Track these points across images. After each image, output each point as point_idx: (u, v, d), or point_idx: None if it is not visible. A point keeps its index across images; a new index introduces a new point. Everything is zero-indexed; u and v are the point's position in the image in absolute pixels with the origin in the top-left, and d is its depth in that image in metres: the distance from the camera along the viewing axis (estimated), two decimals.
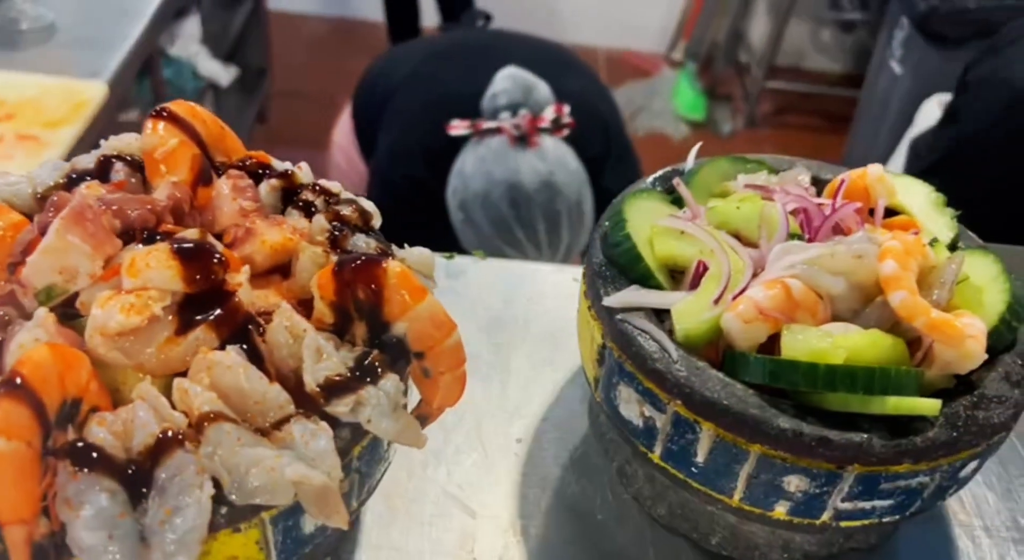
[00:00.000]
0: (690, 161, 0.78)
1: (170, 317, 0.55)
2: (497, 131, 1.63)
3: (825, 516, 0.63)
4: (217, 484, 0.51)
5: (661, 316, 0.66)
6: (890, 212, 0.75)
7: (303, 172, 0.71)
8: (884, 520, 0.63)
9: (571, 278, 0.95)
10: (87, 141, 2.14)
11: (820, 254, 0.63)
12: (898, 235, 0.67)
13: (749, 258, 0.66)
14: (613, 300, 0.66)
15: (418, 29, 3.70)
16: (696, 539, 0.73)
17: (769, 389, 0.61)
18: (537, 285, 0.94)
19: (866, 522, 0.63)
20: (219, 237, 0.64)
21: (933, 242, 0.70)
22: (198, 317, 0.56)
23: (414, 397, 0.64)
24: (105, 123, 2.19)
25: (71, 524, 0.48)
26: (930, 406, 0.59)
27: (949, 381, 0.64)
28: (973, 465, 0.63)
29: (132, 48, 2.43)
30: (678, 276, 0.69)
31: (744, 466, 0.61)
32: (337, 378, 0.56)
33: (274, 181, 0.69)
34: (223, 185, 0.66)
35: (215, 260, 0.57)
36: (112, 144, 0.69)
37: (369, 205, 0.69)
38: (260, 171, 0.70)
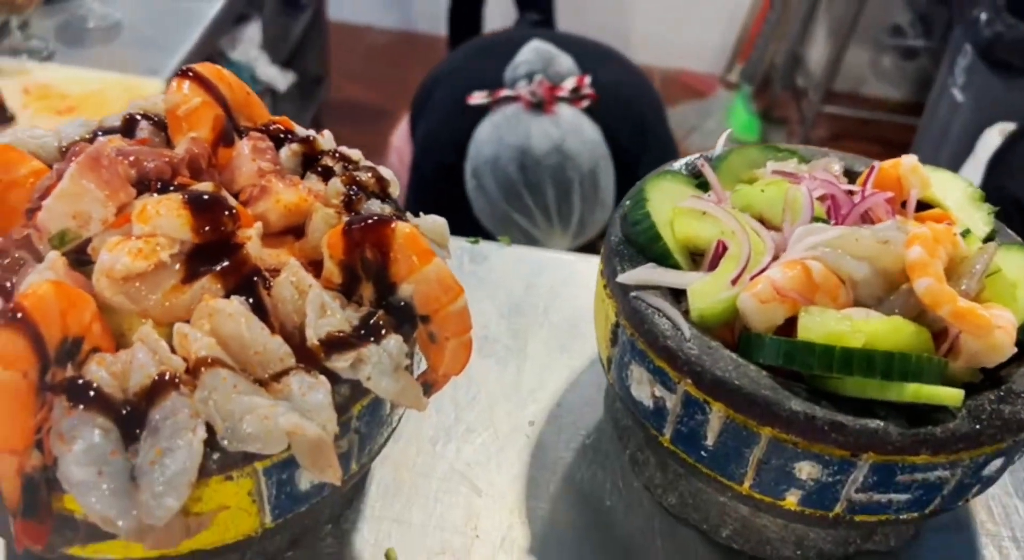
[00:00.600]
0: (719, 147, 0.77)
1: (177, 265, 0.55)
2: (515, 99, 1.61)
3: (838, 508, 0.60)
4: (211, 431, 0.51)
5: (678, 297, 0.64)
6: (924, 206, 0.73)
7: (324, 139, 0.71)
8: (902, 516, 0.61)
9: (595, 267, 0.94)
10: None
11: (844, 236, 0.61)
12: (929, 225, 0.65)
13: (771, 240, 0.64)
14: (628, 277, 0.64)
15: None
16: (706, 531, 0.71)
17: (784, 373, 0.59)
18: (560, 273, 0.93)
19: (882, 517, 0.61)
20: (236, 196, 0.64)
21: (965, 233, 0.67)
22: (205, 267, 0.56)
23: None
24: None
25: (62, 458, 0.48)
26: (952, 396, 0.56)
27: (975, 376, 0.61)
28: (998, 463, 0.60)
29: (192, 49, 2.49)
30: (698, 259, 0.68)
31: (754, 450, 0.59)
32: (339, 334, 0.55)
33: (295, 146, 0.69)
34: (243, 146, 0.66)
35: (226, 213, 0.57)
36: (138, 104, 0.70)
37: (387, 172, 0.69)
38: (282, 136, 0.70)
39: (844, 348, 0.56)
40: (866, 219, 0.68)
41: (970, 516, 0.73)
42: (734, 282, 0.62)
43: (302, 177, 0.68)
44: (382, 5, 4.55)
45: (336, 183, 0.65)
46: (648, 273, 0.64)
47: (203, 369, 0.51)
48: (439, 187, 1.70)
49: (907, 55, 4.15)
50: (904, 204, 0.71)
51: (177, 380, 0.51)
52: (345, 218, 0.62)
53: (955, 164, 2.54)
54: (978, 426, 0.57)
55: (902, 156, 0.73)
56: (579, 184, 1.58)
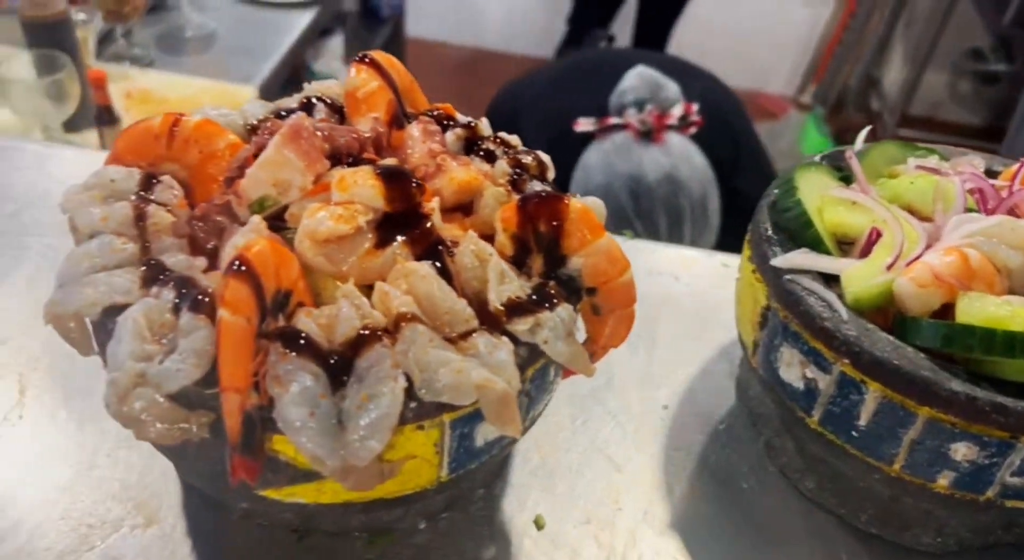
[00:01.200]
0: (859, 143, 0.79)
1: (370, 233, 0.59)
2: (622, 127, 1.64)
3: (991, 491, 0.61)
4: (408, 382, 0.54)
5: (829, 283, 0.66)
6: None
7: (484, 125, 0.75)
8: None
9: (720, 263, 0.96)
10: None
11: (1000, 225, 0.63)
12: None
13: (923, 230, 0.66)
14: (781, 261, 0.67)
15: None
16: (844, 515, 0.72)
17: (940, 357, 0.61)
18: (684, 266, 0.96)
19: None
20: None
21: None
22: (396, 234, 0.60)
23: None
24: None
25: (279, 399, 0.52)
26: None
27: None
28: None
29: (282, 59, 2.59)
30: (845, 248, 0.70)
31: (909, 431, 0.61)
32: (518, 299, 0.58)
33: (459, 130, 0.73)
34: (414, 129, 0.70)
35: (413, 185, 0.61)
36: (314, 88, 0.74)
37: (546, 157, 0.72)
38: (445, 121, 0.74)
39: (1006, 331, 0.58)
40: (1013, 213, 0.69)
41: None
42: (889, 268, 0.64)
43: None
44: (456, 22, 4.63)
45: (502, 164, 0.69)
46: (802, 258, 0.66)
47: (403, 324, 0.55)
48: None
49: (987, 80, 4.09)
50: None
51: (379, 333, 0.54)
52: (514, 196, 0.66)
53: None
54: None
55: None
56: (690, 211, 1.61)
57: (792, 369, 0.66)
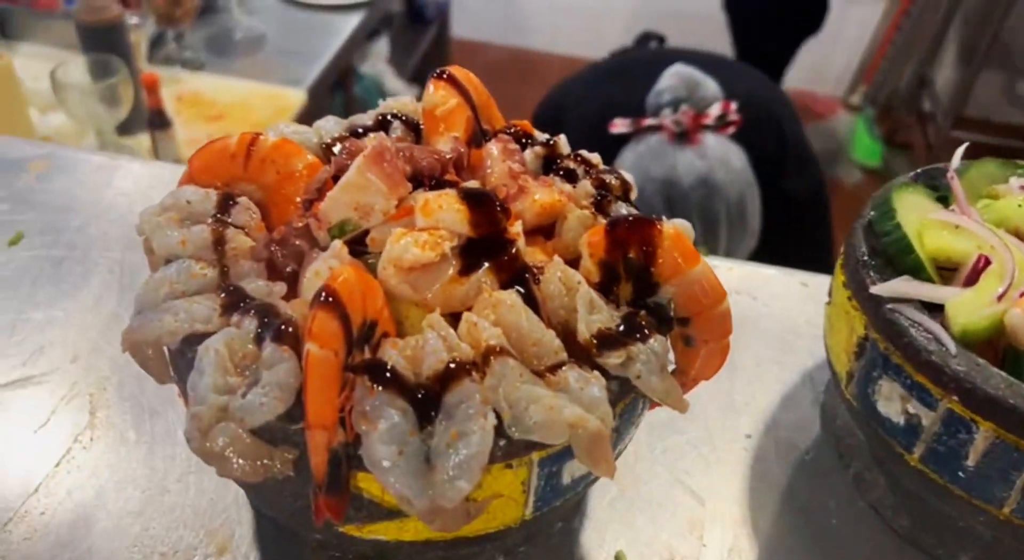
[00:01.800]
0: (955, 160, 0.75)
1: (454, 259, 0.57)
2: (658, 128, 1.59)
3: None
4: (497, 419, 0.52)
5: (931, 312, 0.63)
6: None
7: (562, 143, 0.72)
8: None
9: (799, 282, 0.93)
10: None
11: None
12: None
13: None
14: (882, 289, 0.63)
15: None
16: (941, 556, 0.69)
17: None
18: (761, 285, 0.92)
19: None
20: None
21: None
22: (481, 260, 0.57)
23: None
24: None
25: (367, 436, 0.50)
26: None
27: None
28: None
29: (330, 61, 2.59)
30: (945, 273, 0.66)
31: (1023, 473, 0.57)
32: (608, 330, 0.56)
33: (538, 148, 0.70)
34: (493, 147, 0.68)
35: (498, 209, 0.59)
36: (389, 105, 0.72)
37: (629, 176, 0.69)
38: (524, 139, 0.71)
39: None
40: None
41: None
42: (999, 298, 0.60)
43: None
44: (501, 23, 4.62)
45: (586, 185, 0.66)
46: (903, 285, 0.63)
47: (492, 357, 0.52)
48: None
49: None
50: None
51: (468, 366, 0.52)
52: (600, 220, 0.63)
53: None
54: None
55: None
56: (726, 215, 1.56)
57: (892, 403, 0.63)
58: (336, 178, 0.62)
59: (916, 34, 4.00)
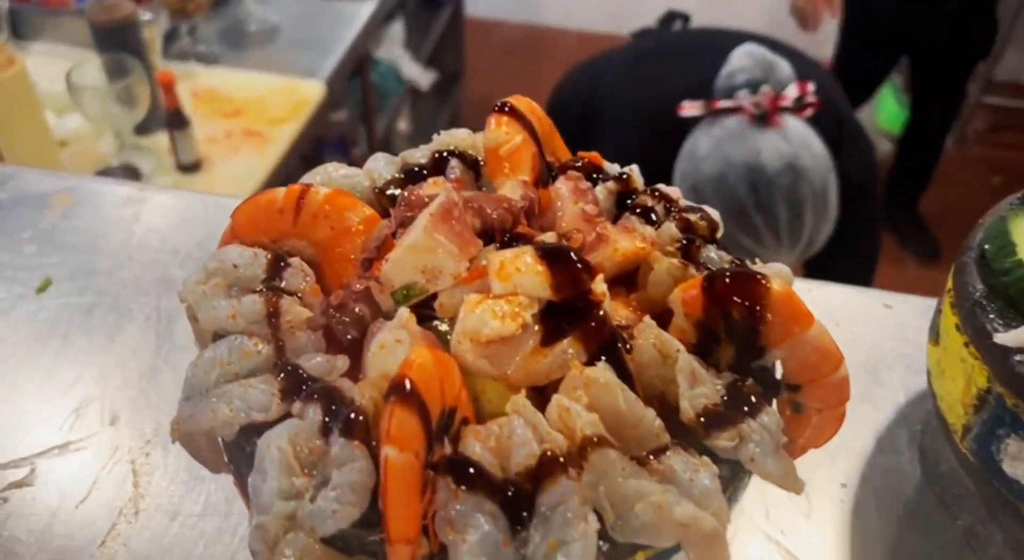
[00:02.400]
0: None
1: (536, 326, 0.51)
2: (734, 110, 1.49)
3: None
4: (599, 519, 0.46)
5: None
6: None
7: (636, 175, 0.66)
8: None
9: (880, 303, 0.86)
10: (305, 137, 2.23)
11: None
12: None
13: None
14: (1009, 338, 0.57)
15: None
16: None
17: None
18: (841, 308, 0.86)
19: None
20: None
21: None
22: (564, 326, 0.51)
23: None
24: (319, 121, 2.27)
25: (454, 548, 0.44)
26: None
27: None
28: None
29: (347, 50, 2.52)
30: None
31: None
32: (716, 407, 0.50)
33: (610, 184, 0.64)
34: (562, 187, 0.62)
35: (581, 267, 0.52)
36: (443, 140, 0.66)
37: (715, 213, 0.63)
38: (593, 174, 0.65)
39: None
40: None
41: None
42: None
43: (616, 218, 0.64)
44: (514, 0, 4.52)
45: (670, 228, 0.60)
46: None
47: (590, 449, 0.46)
48: None
49: None
50: None
51: (563, 460, 0.46)
52: (691, 270, 0.57)
53: None
54: None
55: None
56: (811, 202, 1.48)
57: (1020, 464, 0.57)
58: (397, 234, 0.56)
59: None
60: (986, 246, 0.62)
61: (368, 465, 0.46)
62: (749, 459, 0.49)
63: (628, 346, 0.52)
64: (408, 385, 0.45)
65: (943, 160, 3.43)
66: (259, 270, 0.55)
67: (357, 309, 0.55)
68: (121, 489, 0.67)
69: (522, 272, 0.51)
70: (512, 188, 0.59)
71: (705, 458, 0.48)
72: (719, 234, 0.63)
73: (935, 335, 0.66)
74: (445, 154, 0.65)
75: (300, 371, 0.51)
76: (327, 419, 0.48)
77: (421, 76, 3.54)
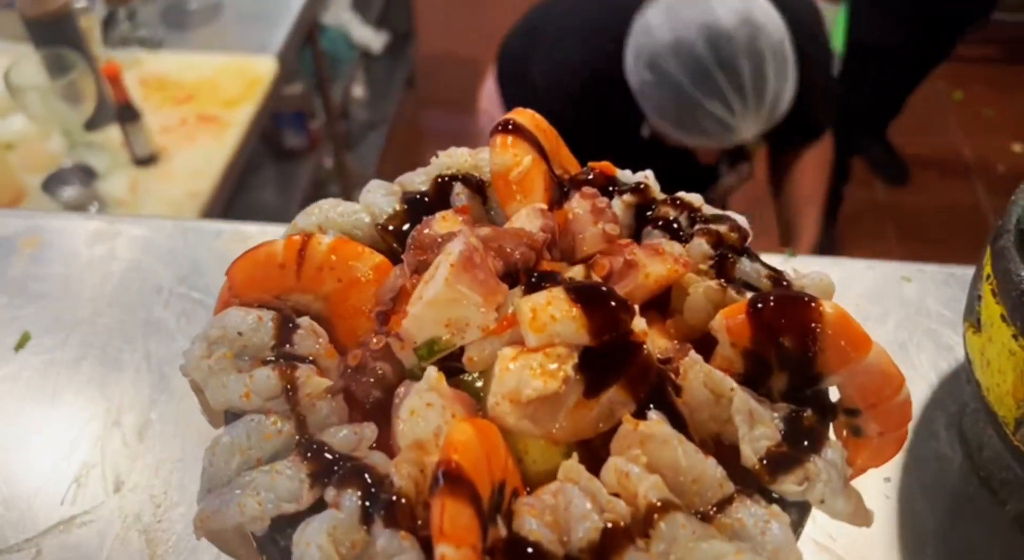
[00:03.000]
0: None
1: (577, 376, 0.47)
2: None
3: None
4: None
5: None
6: None
7: (652, 182, 0.61)
8: None
9: (899, 277, 0.83)
10: (262, 117, 2.15)
11: None
12: None
13: None
14: None
15: None
16: None
17: None
18: (860, 286, 0.83)
19: None
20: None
21: None
22: (607, 373, 0.48)
23: None
24: (273, 97, 2.19)
25: None
26: None
27: None
28: None
29: (295, 20, 2.42)
30: None
31: None
32: (778, 448, 0.47)
33: (627, 197, 0.60)
34: (578, 206, 0.58)
35: (618, 306, 0.48)
36: (443, 163, 0.61)
37: (742, 220, 0.59)
38: (608, 185, 0.61)
39: None
40: None
41: None
42: None
43: (638, 232, 0.60)
44: None
45: (702, 245, 0.56)
46: None
47: (657, 516, 0.43)
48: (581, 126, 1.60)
49: None
50: None
51: (629, 529, 0.43)
52: (732, 292, 0.53)
53: None
54: None
55: None
56: (772, 56, 1.45)
57: None
58: (412, 282, 0.52)
59: None
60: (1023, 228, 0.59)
61: (419, 556, 0.42)
62: (819, 501, 0.46)
63: (676, 387, 0.49)
64: (455, 470, 0.41)
65: None
66: (266, 336, 0.51)
67: (378, 368, 0.51)
68: None
69: (557, 320, 0.47)
70: (529, 217, 0.55)
71: (774, 507, 0.45)
72: (749, 240, 0.59)
73: (975, 321, 0.63)
74: (447, 178, 0.60)
75: (326, 449, 0.47)
76: (366, 505, 0.44)
77: (372, 39, 3.43)
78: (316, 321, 0.53)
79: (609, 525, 0.43)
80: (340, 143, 3.07)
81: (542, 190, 0.57)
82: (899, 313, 0.79)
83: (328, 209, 0.58)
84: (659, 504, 0.43)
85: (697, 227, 0.58)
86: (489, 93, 1.98)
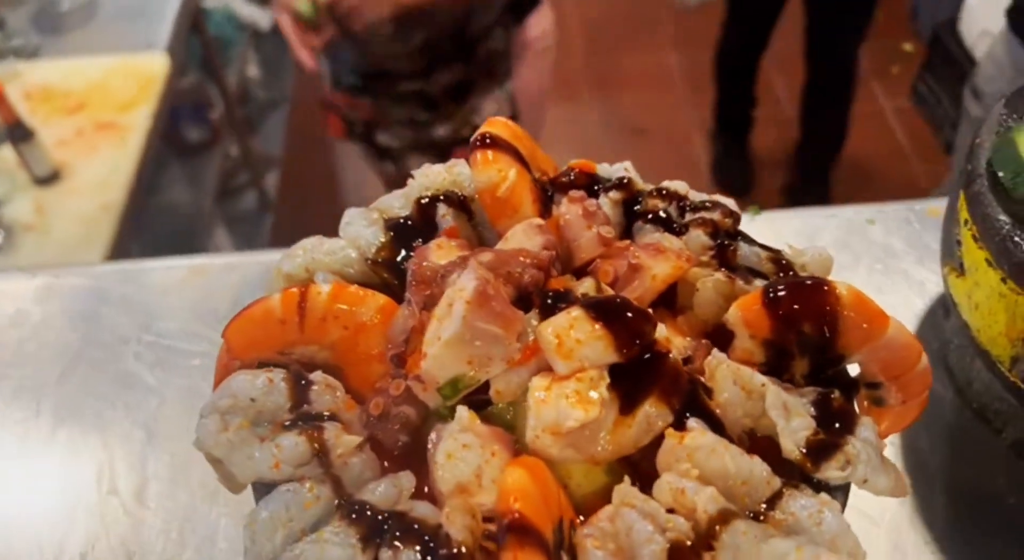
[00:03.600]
0: None
1: (610, 395, 0.47)
2: None
3: None
4: None
5: None
6: None
7: (635, 175, 0.60)
8: None
9: (864, 219, 0.85)
10: (162, 116, 2.05)
11: None
12: None
13: None
14: None
15: None
16: None
17: None
18: (829, 233, 0.84)
19: None
20: (581, 273, 0.55)
21: None
22: (638, 387, 0.47)
23: None
24: (169, 93, 2.09)
25: None
26: None
27: None
28: None
29: (179, 9, 2.30)
30: None
31: None
32: (816, 436, 0.47)
33: (614, 194, 0.59)
34: (569, 212, 0.56)
35: (638, 317, 0.48)
36: (421, 184, 0.59)
37: (731, 203, 0.59)
38: (591, 185, 0.60)
39: None
40: None
41: None
42: None
43: (628, 229, 0.59)
44: None
45: (700, 236, 0.55)
46: None
47: (719, 528, 0.43)
48: None
49: None
50: None
51: (695, 545, 0.43)
52: (739, 283, 0.53)
53: None
54: None
55: None
56: None
57: None
58: (422, 320, 0.50)
59: None
60: (1000, 173, 0.61)
61: None
62: (862, 481, 0.47)
63: (707, 389, 0.49)
64: (519, 520, 0.40)
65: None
66: (281, 397, 0.49)
67: (402, 413, 0.49)
68: None
69: (583, 343, 0.46)
70: (526, 234, 0.54)
71: (823, 496, 0.46)
72: (741, 220, 0.59)
73: (957, 266, 0.65)
74: (428, 199, 0.58)
75: (369, 508, 0.46)
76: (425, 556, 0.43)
77: (259, 15, 3.29)
78: (324, 370, 0.51)
79: (674, 545, 0.43)
80: (243, 129, 2.97)
81: (531, 202, 0.56)
82: (869, 257, 0.81)
83: (312, 249, 0.56)
84: (718, 515, 0.44)
85: (690, 218, 0.57)
86: None
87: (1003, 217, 0.59)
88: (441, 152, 1.81)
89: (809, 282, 0.50)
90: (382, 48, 1.63)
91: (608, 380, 0.46)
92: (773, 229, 0.85)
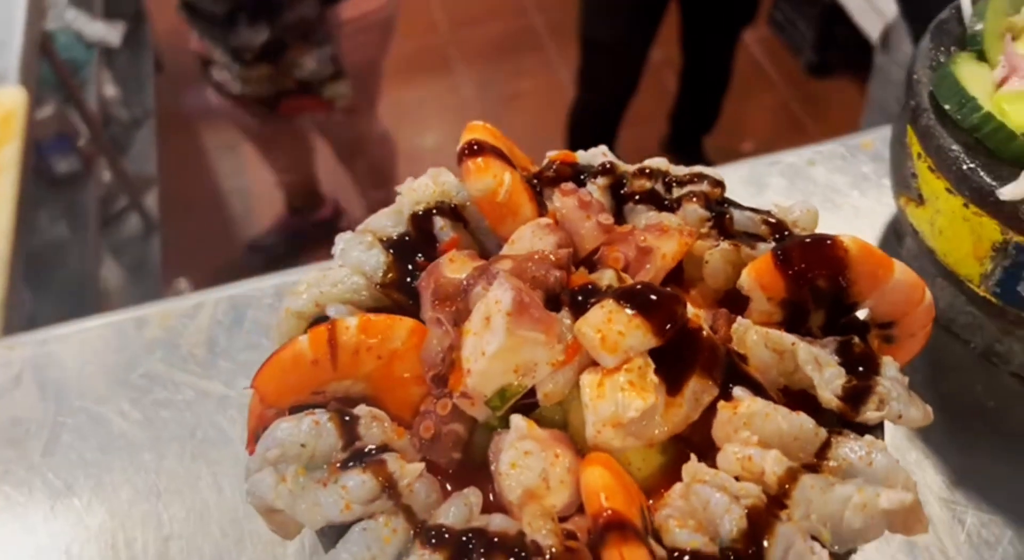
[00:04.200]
0: (967, 5, 0.70)
1: (656, 379, 0.48)
2: None
3: None
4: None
5: None
6: None
7: (617, 161, 0.61)
8: None
9: (804, 162, 0.88)
10: (28, 152, 1.93)
11: None
12: None
13: None
14: (1012, 192, 0.60)
15: None
16: None
17: None
18: (775, 181, 0.87)
19: None
20: (588, 264, 0.56)
21: None
22: (680, 366, 0.49)
23: None
24: (29, 127, 1.97)
25: None
26: None
27: None
28: None
29: (22, 37, 2.16)
30: None
31: None
32: (850, 383, 0.50)
33: (600, 180, 0.60)
34: (564, 205, 0.57)
35: (669, 299, 0.49)
36: (411, 198, 0.58)
37: (715, 171, 0.60)
38: (576, 175, 0.60)
39: None
40: None
41: None
42: None
43: (618, 212, 0.60)
44: None
45: (696, 210, 0.57)
46: None
47: (788, 486, 0.46)
48: None
49: None
50: None
51: (771, 506, 0.45)
52: (744, 249, 0.55)
53: None
54: None
55: None
56: None
57: None
58: (456, 337, 0.50)
59: None
60: (946, 106, 0.64)
61: None
62: (897, 417, 0.50)
63: (741, 356, 0.51)
64: (613, 517, 0.42)
65: None
66: (331, 438, 0.48)
67: (452, 431, 0.49)
68: None
69: (625, 334, 0.47)
70: (537, 234, 0.54)
71: (868, 437, 0.49)
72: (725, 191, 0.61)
73: (915, 197, 0.69)
74: (422, 213, 0.57)
75: (446, 531, 0.46)
76: None
77: (107, 32, 3.12)
78: (363, 402, 0.51)
79: (749, 509, 0.45)
80: (112, 153, 2.83)
81: (528, 202, 0.57)
82: (818, 197, 0.85)
83: (317, 283, 0.55)
84: (785, 474, 0.46)
85: (680, 193, 0.59)
86: None
87: (956, 147, 0.63)
88: (269, 104, 2.08)
89: (816, 241, 0.52)
90: None
91: (653, 365, 0.48)
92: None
